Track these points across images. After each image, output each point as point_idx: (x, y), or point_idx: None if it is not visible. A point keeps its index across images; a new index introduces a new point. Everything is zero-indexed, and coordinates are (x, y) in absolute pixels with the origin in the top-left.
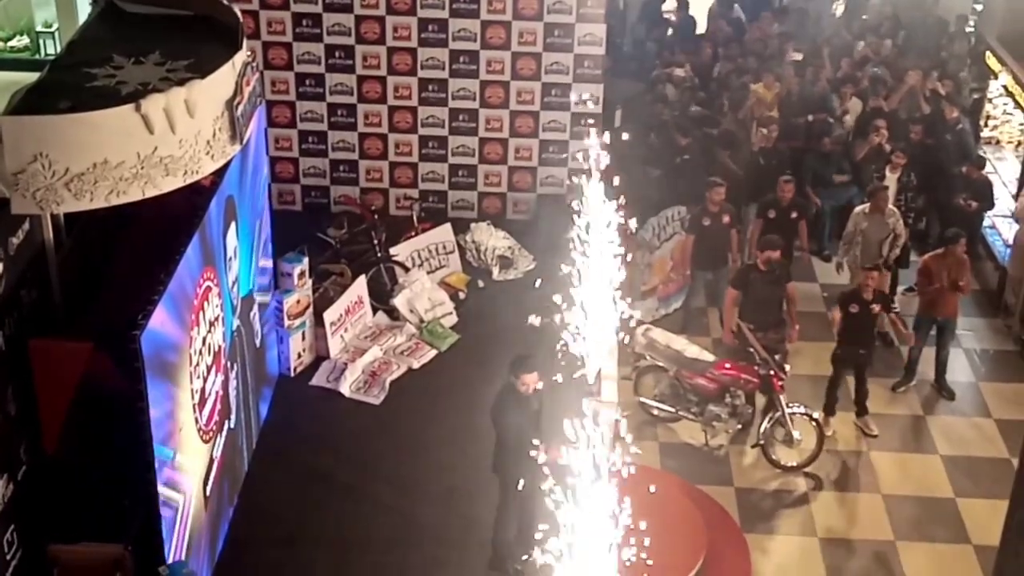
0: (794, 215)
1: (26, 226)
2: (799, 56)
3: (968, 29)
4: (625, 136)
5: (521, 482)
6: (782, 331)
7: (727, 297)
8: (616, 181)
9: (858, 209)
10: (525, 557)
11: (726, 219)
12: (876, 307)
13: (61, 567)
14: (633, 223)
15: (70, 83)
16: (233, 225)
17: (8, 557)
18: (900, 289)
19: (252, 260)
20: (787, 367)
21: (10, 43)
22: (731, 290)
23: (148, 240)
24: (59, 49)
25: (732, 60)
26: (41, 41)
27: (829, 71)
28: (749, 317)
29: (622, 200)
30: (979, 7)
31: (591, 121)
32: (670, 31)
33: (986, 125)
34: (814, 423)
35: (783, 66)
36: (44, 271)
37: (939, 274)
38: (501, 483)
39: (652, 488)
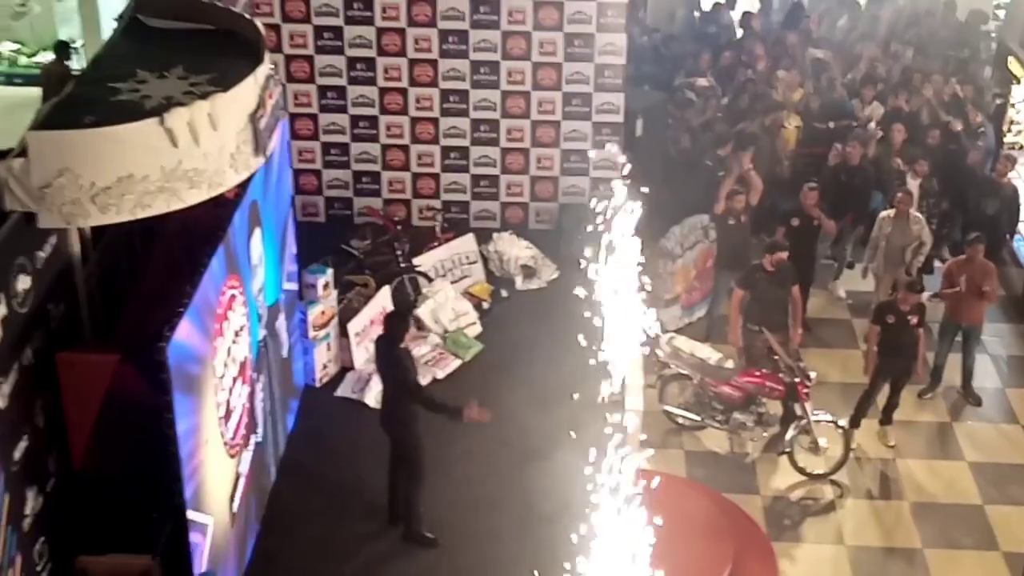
0: (817, 222)
1: (53, 240)
2: (820, 54)
3: (991, 33)
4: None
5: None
6: (786, 334)
7: (733, 297)
8: (638, 190)
9: (883, 214)
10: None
11: (743, 221)
12: (914, 319)
13: None
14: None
15: (95, 98)
16: (258, 232)
17: (38, 569)
18: (925, 296)
19: (278, 270)
20: (812, 374)
21: (35, 59)
22: (737, 290)
23: (173, 253)
24: (84, 64)
25: (752, 66)
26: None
27: (838, 75)
28: (755, 318)
29: (644, 209)
30: (1001, 12)
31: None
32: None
33: (1009, 130)
34: (840, 431)
35: (804, 63)
36: (71, 285)
37: (960, 280)
38: (404, 443)
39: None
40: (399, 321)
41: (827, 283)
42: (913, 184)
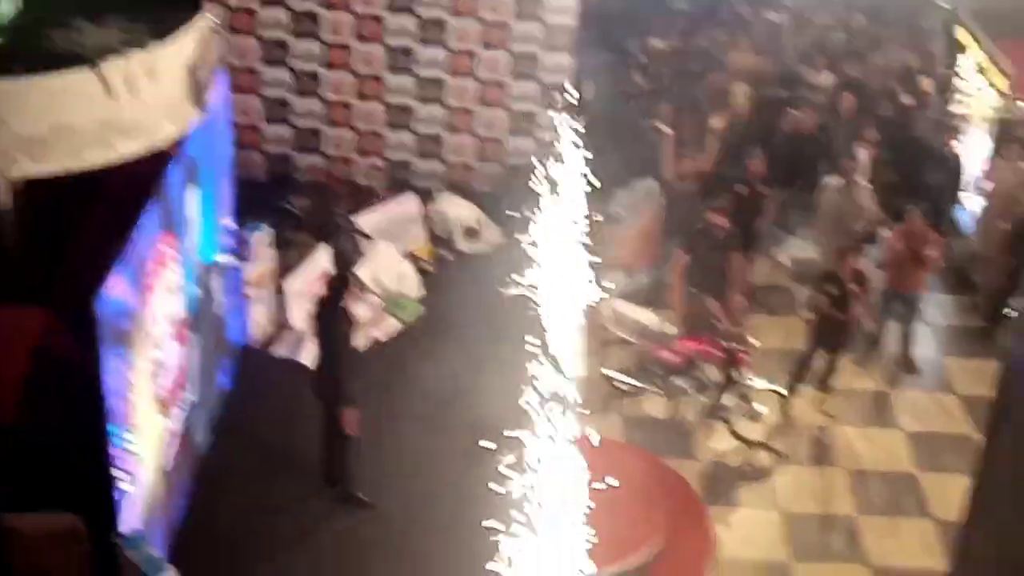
0: (763, 189)
1: None
2: (776, 17)
3: (940, 2)
4: (594, 106)
5: None
6: (728, 300)
7: (676, 262)
8: (585, 153)
9: (828, 181)
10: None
11: (693, 188)
12: (855, 287)
13: (16, 535)
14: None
15: (28, 45)
16: (194, 191)
17: None
18: (865, 264)
19: (214, 228)
20: (753, 341)
21: None
22: (681, 255)
23: (106, 206)
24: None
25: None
26: None
27: (791, 39)
28: (698, 283)
29: (591, 172)
30: None
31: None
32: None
33: (955, 100)
34: (779, 397)
35: (760, 28)
36: (0, 237)
37: (901, 247)
38: (342, 408)
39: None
40: (339, 283)
41: (770, 250)
42: (864, 155)
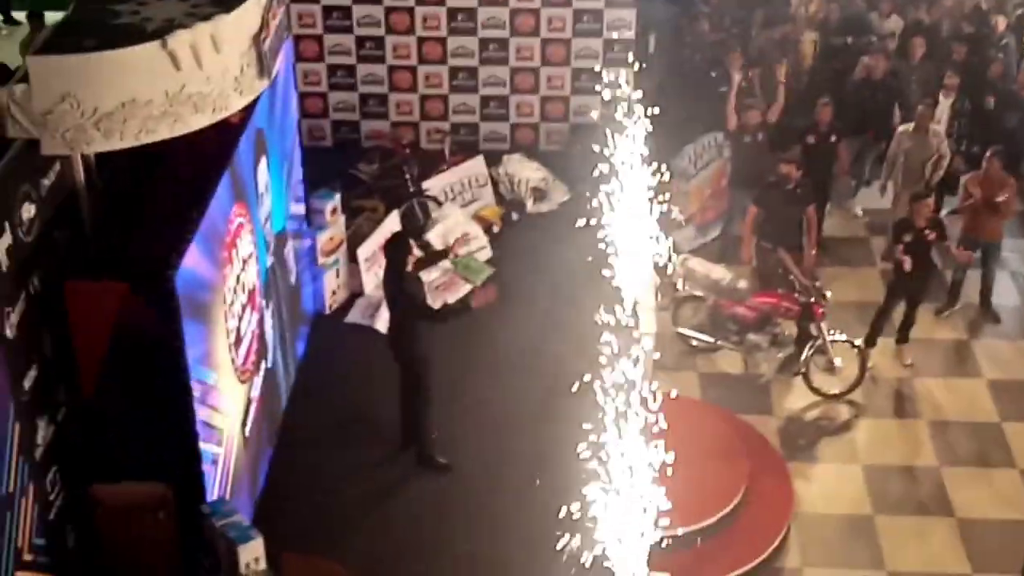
0: (833, 138)
1: (57, 167)
2: None
3: None
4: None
5: None
6: (801, 253)
7: (748, 215)
8: (651, 108)
9: (901, 129)
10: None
11: (760, 138)
12: (931, 234)
13: (104, 507)
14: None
15: (95, 21)
16: (264, 160)
17: (52, 498)
18: (943, 213)
19: (285, 196)
20: (828, 294)
21: None
22: (752, 208)
23: (179, 178)
24: None
25: None
26: None
27: None
28: (770, 237)
29: (657, 127)
30: None
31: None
32: None
33: None
34: (856, 350)
35: None
36: (77, 213)
37: (978, 194)
38: (414, 368)
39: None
40: (401, 245)
41: (844, 201)
42: (945, 103)
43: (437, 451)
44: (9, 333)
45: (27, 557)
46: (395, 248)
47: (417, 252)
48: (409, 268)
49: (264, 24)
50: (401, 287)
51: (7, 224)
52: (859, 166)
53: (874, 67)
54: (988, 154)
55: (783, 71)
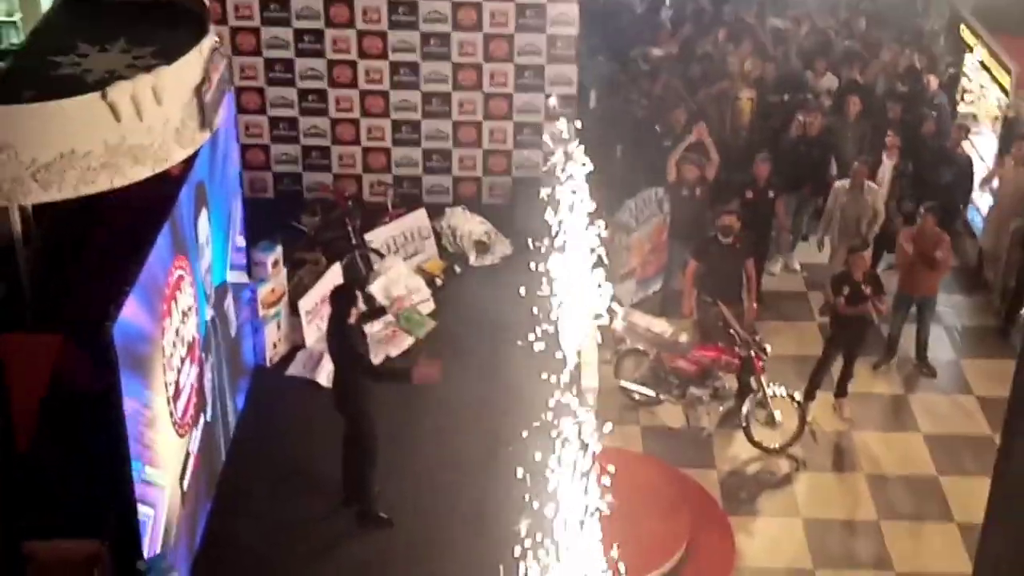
0: (771, 194)
1: None
2: (780, 23)
3: (943, 1)
4: (599, 116)
5: None
6: (741, 307)
7: (687, 269)
8: (592, 163)
9: (837, 184)
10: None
11: (699, 193)
12: (868, 288)
13: (36, 564)
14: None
15: (35, 72)
16: (204, 212)
17: None
18: (879, 268)
19: (225, 249)
20: (767, 347)
21: None
22: (692, 262)
23: (118, 230)
24: (21, 38)
25: (709, 34)
26: (3, 30)
27: (795, 44)
28: (710, 290)
29: (598, 181)
30: None
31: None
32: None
33: (962, 100)
34: (796, 404)
35: (764, 33)
36: (13, 264)
37: (911, 250)
38: (357, 422)
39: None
40: (345, 297)
41: (783, 256)
42: (888, 164)
43: (379, 506)
44: None
45: None
46: (340, 299)
47: (362, 305)
48: (352, 320)
49: (206, 76)
50: (344, 339)
51: None
52: (796, 221)
53: (810, 124)
54: (923, 210)
55: (719, 128)
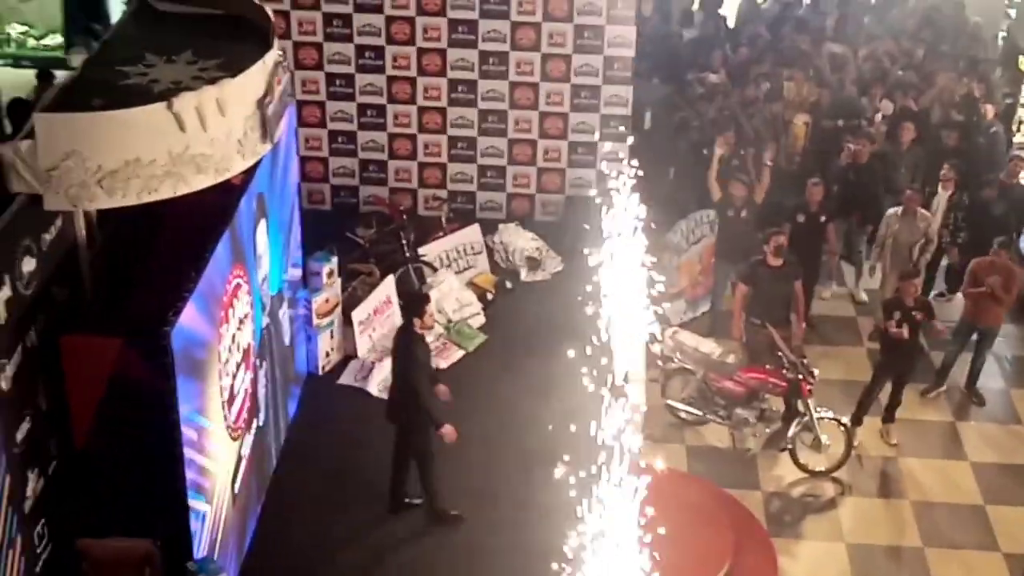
0: (823, 219)
1: (59, 223)
2: (838, 48)
3: (1001, 33)
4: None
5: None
6: (789, 330)
7: (736, 292)
8: (645, 183)
9: (890, 211)
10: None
11: (744, 214)
12: (919, 314)
13: (90, 561)
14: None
15: (103, 81)
16: (263, 223)
17: (39, 551)
18: (931, 295)
19: (283, 258)
20: (816, 371)
21: (43, 41)
22: (741, 285)
23: (179, 238)
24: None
25: (765, 58)
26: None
27: (854, 72)
28: (758, 313)
29: (651, 202)
30: (1012, 12)
31: (620, 125)
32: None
33: (1018, 130)
34: (843, 428)
35: (820, 58)
36: (76, 268)
37: (989, 281)
38: (413, 431)
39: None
40: (412, 306)
41: (832, 280)
42: (943, 195)
43: (447, 503)
44: (4, 386)
45: None
46: (409, 308)
47: (430, 315)
48: (417, 330)
49: (269, 89)
50: (408, 348)
51: (7, 277)
52: (856, 250)
53: (860, 152)
54: (996, 245)
55: (769, 155)
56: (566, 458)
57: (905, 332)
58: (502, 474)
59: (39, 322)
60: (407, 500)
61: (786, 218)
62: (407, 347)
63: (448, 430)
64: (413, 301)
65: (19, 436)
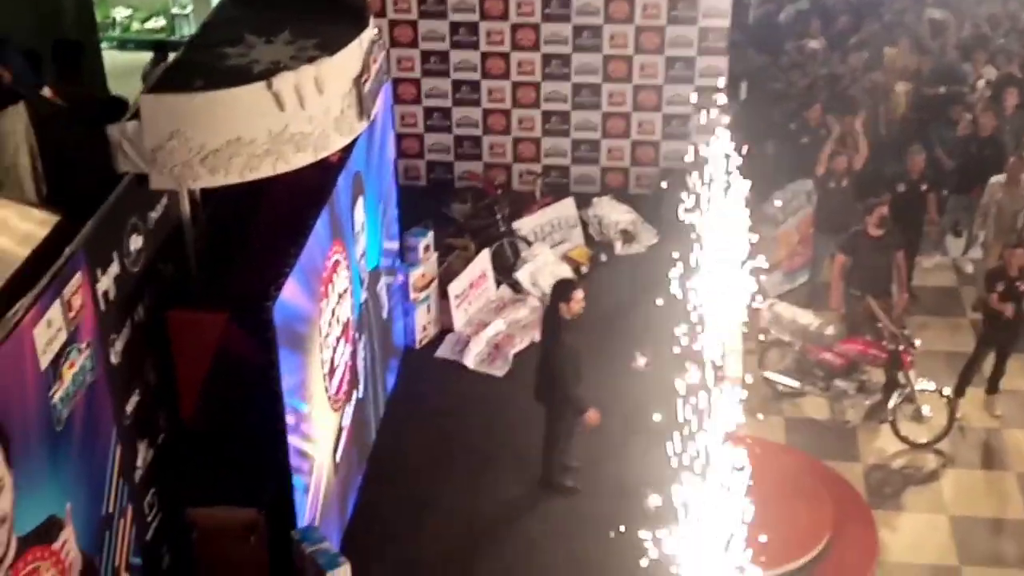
0: (924, 187)
1: (164, 201)
2: (939, 14)
3: None
4: (749, 108)
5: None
6: (890, 301)
7: (836, 263)
8: (741, 155)
9: (994, 180)
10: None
11: (844, 184)
12: (1022, 285)
13: (199, 530)
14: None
15: (204, 63)
16: (361, 199)
17: (149, 519)
18: None
19: (380, 234)
20: (917, 342)
21: (147, 24)
22: (840, 256)
23: (279, 215)
24: (194, 30)
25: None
26: (176, 23)
27: (955, 37)
28: (858, 284)
29: (747, 173)
30: None
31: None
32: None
33: None
34: (944, 399)
35: (920, 24)
36: (181, 245)
37: None
38: (556, 416)
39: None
40: (559, 291)
41: (934, 249)
42: None
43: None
44: (114, 359)
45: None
46: (556, 293)
47: (576, 301)
48: (564, 314)
49: (365, 68)
50: (556, 332)
51: (116, 255)
52: (968, 220)
53: (983, 124)
54: None
55: (860, 121)
56: (662, 428)
57: (1009, 310)
58: (598, 448)
59: (146, 298)
60: (565, 483)
61: (886, 187)
62: (552, 332)
63: (592, 415)
64: (560, 286)
65: (129, 408)
